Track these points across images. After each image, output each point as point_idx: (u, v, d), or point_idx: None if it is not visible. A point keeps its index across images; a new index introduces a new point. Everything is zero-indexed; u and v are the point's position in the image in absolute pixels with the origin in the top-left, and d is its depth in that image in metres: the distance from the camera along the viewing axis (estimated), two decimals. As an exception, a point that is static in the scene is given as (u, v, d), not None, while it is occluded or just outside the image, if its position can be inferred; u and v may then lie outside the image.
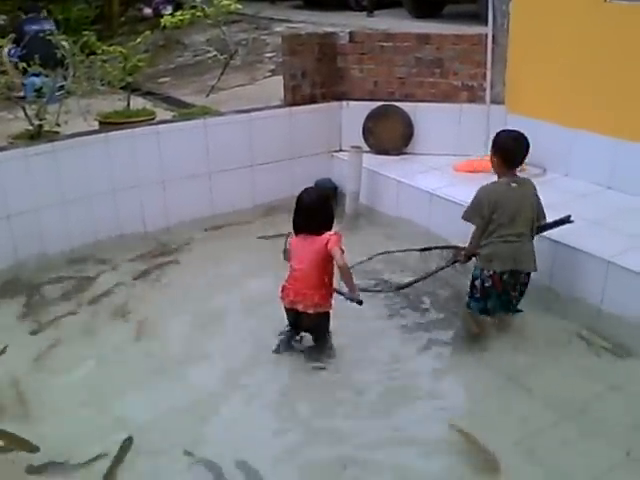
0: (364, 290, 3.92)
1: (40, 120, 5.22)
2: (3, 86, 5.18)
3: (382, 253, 4.67)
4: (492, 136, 5.41)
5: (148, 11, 12.31)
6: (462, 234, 4.81)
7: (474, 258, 3.91)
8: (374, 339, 3.93)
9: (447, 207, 4.99)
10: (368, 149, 5.94)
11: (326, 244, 3.49)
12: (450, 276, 4.34)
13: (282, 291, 3.70)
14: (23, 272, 4.75)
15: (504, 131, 3.97)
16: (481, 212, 3.74)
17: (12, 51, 5.51)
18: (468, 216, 3.85)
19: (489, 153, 4.00)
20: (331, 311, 3.69)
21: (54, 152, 4.88)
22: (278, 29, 10.57)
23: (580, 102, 5.06)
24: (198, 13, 6.57)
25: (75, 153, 4.95)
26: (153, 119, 6.12)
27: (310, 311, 3.60)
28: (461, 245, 4.11)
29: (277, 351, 3.77)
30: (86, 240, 5.08)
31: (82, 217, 5.04)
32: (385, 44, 5.95)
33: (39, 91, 5.41)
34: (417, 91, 5.96)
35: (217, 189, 5.62)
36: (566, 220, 3.96)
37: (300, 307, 3.62)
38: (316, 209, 3.63)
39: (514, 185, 3.76)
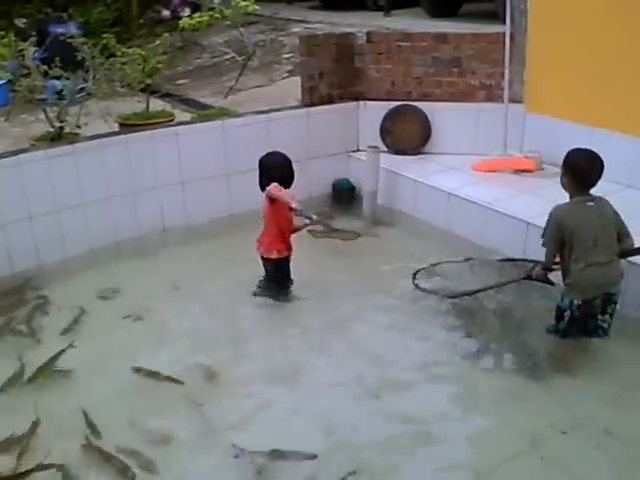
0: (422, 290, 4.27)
1: (61, 122, 5.28)
2: (25, 89, 5.25)
3: (448, 262, 4.53)
4: (510, 135, 5.56)
5: (166, 13, 12.37)
6: (480, 234, 4.85)
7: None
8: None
9: (465, 207, 4.99)
10: (386, 149, 5.94)
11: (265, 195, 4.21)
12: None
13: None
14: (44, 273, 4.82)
15: (577, 150, 3.63)
16: (557, 237, 3.54)
17: (35, 53, 5.56)
18: (546, 241, 3.63)
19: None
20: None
21: (74, 154, 4.94)
22: (295, 30, 10.57)
23: (599, 100, 5.03)
24: (216, 15, 6.60)
25: (95, 154, 5.01)
26: (172, 121, 6.16)
27: (263, 255, 4.36)
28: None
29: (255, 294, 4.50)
30: (106, 241, 5.13)
31: (102, 218, 5.09)
32: (402, 44, 5.96)
33: (60, 93, 5.46)
34: (435, 91, 5.95)
35: (235, 190, 5.65)
36: None
37: (259, 252, 4.39)
38: (267, 168, 4.30)
39: (590, 204, 3.53)
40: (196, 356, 3.85)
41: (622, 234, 3.58)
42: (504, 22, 5.59)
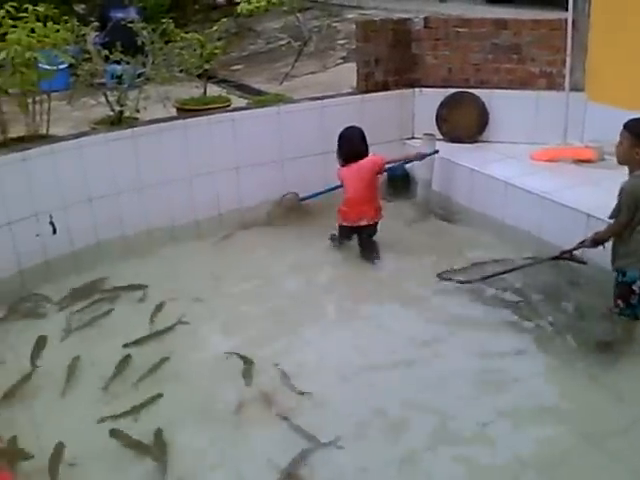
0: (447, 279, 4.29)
1: (121, 106, 5.36)
2: (87, 73, 5.35)
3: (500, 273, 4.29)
4: (571, 124, 5.43)
5: (221, -1, 12.46)
6: (537, 225, 4.76)
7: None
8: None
9: (523, 197, 4.90)
10: (441, 137, 5.87)
11: (373, 163, 4.70)
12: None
13: (340, 214, 4.78)
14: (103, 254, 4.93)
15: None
16: (631, 209, 3.50)
17: (96, 38, 5.67)
18: (618, 214, 3.60)
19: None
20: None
21: (134, 138, 5.02)
22: (350, 16, 10.53)
23: (666, 89, 4.87)
24: (274, 0, 6.61)
25: (154, 139, 5.09)
26: (229, 106, 6.21)
27: (371, 223, 4.72)
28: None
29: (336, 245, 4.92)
30: (163, 224, 5.21)
31: (159, 202, 5.17)
32: (461, 30, 5.87)
33: (120, 78, 5.55)
34: (493, 77, 5.85)
35: (289, 176, 5.65)
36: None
37: (364, 222, 4.72)
38: (359, 138, 4.75)
39: None
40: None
41: None
42: (563, 9, 5.45)
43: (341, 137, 4.81)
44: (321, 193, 5.41)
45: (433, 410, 3.26)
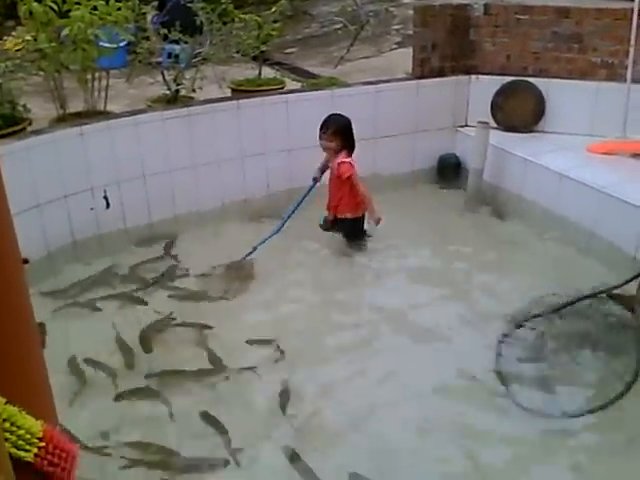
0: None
1: (177, 85, 5.43)
2: (146, 51, 5.42)
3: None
4: (631, 117, 5.28)
5: (278, -19, 12.42)
6: (592, 219, 4.65)
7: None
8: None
9: (578, 189, 4.79)
10: (496, 125, 5.78)
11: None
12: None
13: (361, 206, 4.70)
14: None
15: None
16: None
17: (155, 18, 5.74)
18: None
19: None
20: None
21: (189, 116, 5.06)
22: (406, 1, 10.40)
23: None
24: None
25: (208, 118, 5.12)
26: (282, 88, 6.22)
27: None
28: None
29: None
30: (213, 203, 5.27)
31: (211, 180, 5.22)
32: (521, 17, 5.75)
33: (177, 57, 5.61)
34: (552, 67, 5.72)
35: (340, 160, 5.65)
36: None
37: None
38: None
39: None
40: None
41: None
42: (630, -2, 5.30)
43: (347, 126, 4.63)
44: (272, 235, 4.72)
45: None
